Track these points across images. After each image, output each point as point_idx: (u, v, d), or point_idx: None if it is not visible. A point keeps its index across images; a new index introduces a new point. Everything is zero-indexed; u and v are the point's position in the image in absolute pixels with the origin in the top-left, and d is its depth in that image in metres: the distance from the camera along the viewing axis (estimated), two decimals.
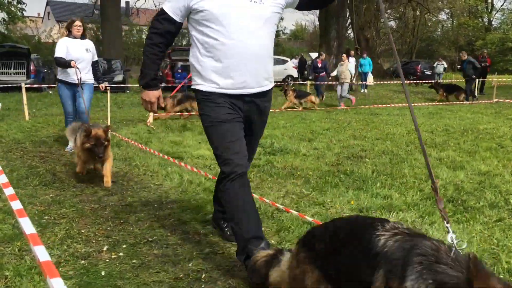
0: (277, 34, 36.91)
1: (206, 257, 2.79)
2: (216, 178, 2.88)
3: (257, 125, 2.78)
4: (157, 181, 4.58)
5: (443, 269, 1.42)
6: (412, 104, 10.95)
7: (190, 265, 2.68)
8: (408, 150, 6.17)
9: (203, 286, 2.45)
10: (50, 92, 16.25)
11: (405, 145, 6.55)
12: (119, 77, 18.30)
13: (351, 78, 13.46)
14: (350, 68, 13.42)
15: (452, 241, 1.55)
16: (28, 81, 15.26)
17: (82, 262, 2.72)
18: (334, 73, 14.11)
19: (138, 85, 15.20)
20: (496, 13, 42.24)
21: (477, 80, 17.54)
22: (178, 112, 9.88)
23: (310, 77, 16.17)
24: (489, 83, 19.04)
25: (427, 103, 13.78)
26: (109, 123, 7.13)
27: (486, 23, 42.13)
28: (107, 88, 6.52)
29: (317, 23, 30.29)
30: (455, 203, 3.83)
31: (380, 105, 13.11)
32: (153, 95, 2.63)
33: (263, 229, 3.21)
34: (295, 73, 22.88)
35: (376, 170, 4.96)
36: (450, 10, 38.31)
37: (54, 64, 22.80)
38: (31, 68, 16.46)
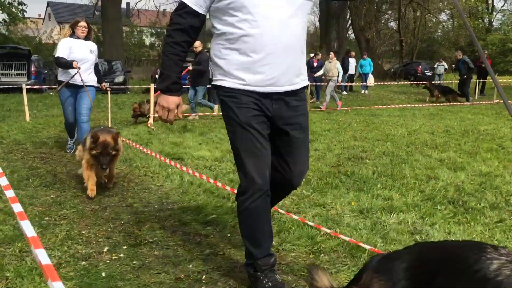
0: None
1: (207, 258, 2.79)
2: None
3: (293, 128, 2.38)
4: (157, 182, 4.59)
5: None
6: (412, 105, 10.92)
7: (190, 266, 2.68)
8: (408, 151, 6.16)
9: (203, 287, 2.45)
10: (51, 93, 16.26)
11: (406, 146, 6.55)
12: (120, 78, 18.32)
13: (337, 76, 13.25)
14: (338, 66, 13.31)
15: None
16: (29, 82, 15.27)
17: (83, 263, 2.72)
18: (321, 72, 14.02)
19: (138, 86, 15.24)
20: (496, 14, 42.28)
21: (477, 81, 17.55)
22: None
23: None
24: (489, 84, 19.03)
25: (427, 104, 13.77)
26: (109, 124, 7.14)
27: (486, 24, 42.13)
28: (108, 89, 6.43)
29: (317, 24, 30.32)
30: (455, 204, 3.83)
31: (380, 106, 13.11)
32: (172, 101, 2.28)
33: None
34: None
35: (376, 171, 4.96)
36: (451, 11, 38.28)
37: (55, 65, 22.81)
38: (32, 69, 16.49)
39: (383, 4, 33.67)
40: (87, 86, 5.66)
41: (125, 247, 2.97)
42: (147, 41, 34.04)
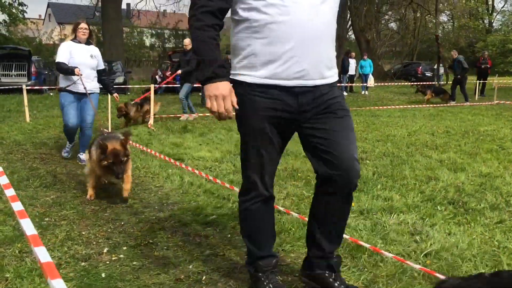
0: None
1: (207, 259, 2.79)
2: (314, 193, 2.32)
3: (331, 122, 2.09)
4: (157, 183, 4.58)
5: None
6: (413, 106, 10.93)
7: (190, 267, 2.68)
8: (409, 152, 6.16)
9: None
10: (51, 94, 16.28)
11: (406, 147, 6.55)
12: (120, 79, 18.35)
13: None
14: None
15: None
16: (29, 83, 15.29)
17: (83, 264, 2.72)
18: None
19: (138, 86, 15.23)
20: (497, 15, 42.32)
21: (477, 82, 17.54)
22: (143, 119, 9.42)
23: None
24: (490, 85, 19.04)
25: (428, 105, 13.77)
26: (109, 125, 7.13)
27: (487, 25, 42.16)
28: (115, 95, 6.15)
29: None
30: (456, 205, 3.82)
31: (380, 107, 13.10)
32: (224, 86, 1.92)
33: None
34: None
35: (376, 172, 4.96)
36: (451, 12, 38.32)
37: (55, 66, 22.74)
38: (32, 70, 16.51)
39: (383, 5, 33.68)
40: (90, 93, 5.39)
41: (125, 247, 2.97)
42: (147, 42, 34.07)
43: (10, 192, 1.75)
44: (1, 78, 16.23)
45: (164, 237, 3.16)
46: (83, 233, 3.22)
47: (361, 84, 19.60)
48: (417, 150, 6.24)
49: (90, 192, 4.03)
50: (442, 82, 21.04)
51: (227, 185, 4.08)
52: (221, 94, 1.92)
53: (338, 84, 14.65)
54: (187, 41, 10.30)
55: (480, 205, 3.80)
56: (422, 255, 2.80)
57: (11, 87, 13.23)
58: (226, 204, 3.82)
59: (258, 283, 2.33)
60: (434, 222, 3.38)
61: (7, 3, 22.90)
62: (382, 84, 21.90)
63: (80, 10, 25.58)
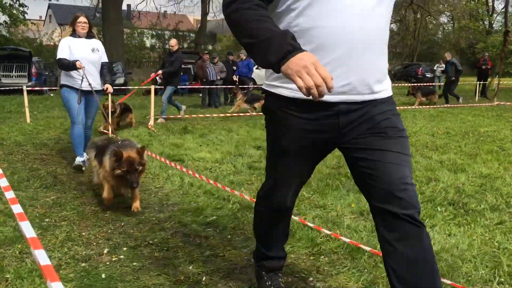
0: None
1: (207, 260, 2.79)
2: None
3: (379, 143, 1.75)
4: (158, 184, 4.59)
5: None
6: (413, 107, 10.93)
7: (190, 267, 2.68)
8: None
9: None
10: (52, 94, 16.29)
11: None
12: (120, 80, 18.35)
13: None
14: None
15: None
16: (30, 83, 15.30)
17: (83, 264, 2.72)
18: None
19: (139, 87, 15.26)
20: (497, 16, 42.31)
21: (478, 83, 17.54)
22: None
23: None
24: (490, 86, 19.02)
25: (428, 106, 13.77)
26: (110, 126, 7.12)
27: (487, 26, 42.18)
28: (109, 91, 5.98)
29: None
30: (456, 206, 3.82)
31: None
32: (308, 55, 1.45)
33: None
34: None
35: None
36: (451, 13, 38.33)
37: (55, 67, 22.73)
38: (33, 70, 16.52)
39: None
40: (95, 91, 5.08)
41: (125, 248, 2.97)
42: (148, 43, 34.09)
43: (10, 195, 1.75)
44: (2, 79, 16.25)
45: (164, 238, 3.16)
46: (83, 234, 3.22)
47: None
48: (417, 151, 6.24)
49: (107, 194, 3.74)
50: (442, 83, 21.04)
51: (228, 189, 4.08)
52: (310, 62, 1.44)
53: None
54: (173, 42, 10.12)
55: (480, 206, 3.80)
56: None
57: (11, 88, 13.24)
58: (226, 205, 3.82)
59: (260, 281, 2.34)
60: (434, 223, 3.38)
61: (7, 4, 22.92)
62: None
63: (81, 11, 25.59)
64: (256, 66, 19.01)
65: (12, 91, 13.38)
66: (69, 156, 5.93)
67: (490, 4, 41.44)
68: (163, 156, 5.56)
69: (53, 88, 16.71)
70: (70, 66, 4.92)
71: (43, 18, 48.61)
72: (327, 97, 1.67)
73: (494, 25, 42.42)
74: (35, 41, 29.97)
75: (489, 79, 17.57)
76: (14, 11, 23.61)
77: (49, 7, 46.84)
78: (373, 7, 1.69)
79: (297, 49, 1.47)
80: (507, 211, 3.71)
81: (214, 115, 10.76)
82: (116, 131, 7.35)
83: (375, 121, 1.76)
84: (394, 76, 27.61)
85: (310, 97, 1.47)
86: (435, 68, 22.83)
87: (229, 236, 3.17)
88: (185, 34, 34.14)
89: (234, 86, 12.62)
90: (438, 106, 13.73)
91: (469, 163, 5.43)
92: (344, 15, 1.65)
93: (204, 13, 28.60)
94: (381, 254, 2.70)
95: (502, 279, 2.52)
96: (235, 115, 10.96)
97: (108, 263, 2.75)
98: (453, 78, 14.67)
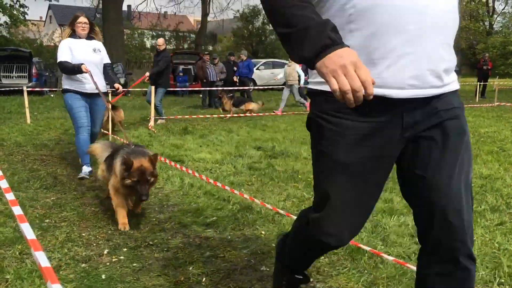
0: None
1: (207, 261, 2.79)
2: None
3: (439, 149, 1.48)
4: (158, 184, 4.58)
5: None
6: None
7: (191, 268, 2.68)
8: None
9: None
10: (52, 95, 16.32)
11: None
12: (121, 81, 18.37)
13: (299, 80, 12.39)
14: (298, 70, 12.50)
15: None
16: (30, 84, 15.31)
17: (83, 265, 2.72)
18: (280, 75, 13.34)
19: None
20: (497, 17, 42.35)
21: (478, 83, 17.54)
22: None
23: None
24: (490, 87, 19.04)
25: None
26: (110, 126, 7.13)
27: (487, 27, 42.19)
28: (109, 92, 5.91)
29: None
30: None
31: None
32: (349, 53, 1.23)
33: (263, 232, 3.23)
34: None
35: None
36: None
37: (56, 68, 22.73)
38: (33, 71, 16.55)
39: None
40: (95, 94, 4.81)
41: (125, 249, 2.97)
42: (148, 44, 34.14)
43: (10, 196, 1.75)
44: (2, 79, 16.27)
45: (164, 238, 3.16)
46: (83, 234, 3.22)
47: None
48: None
49: (122, 220, 3.38)
50: None
51: (228, 188, 4.07)
52: (350, 61, 1.21)
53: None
54: (160, 41, 9.72)
55: (480, 207, 3.80)
56: None
57: (12, 88, 13.25)
58: (226, 206, 3.82)
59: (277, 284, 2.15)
60: None
61: (8, 5, 22.94)
62: None
63: (81, 11, 25.61)
64: (256, 67, 19.03)
65: (13, 91, 13.39)
66: (69, 157, 5.93)
67: (491, 5, 41.45)
68: (163, 157, 5.56)
69: (53, 89, 16.71)
70: (75, 70, 4.64)
71: (44, 19, 48.65)
72: (395, 92, 1.39)
73: (494, 26, 42.43)
74: (35, 41, 30.01)
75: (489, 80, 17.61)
76: (15, 12, 23.64)
77: (49, 7, 46.87)
78: None
79: (337, 43, 1.24)
80: (507, 212, 3.71)
81: (214, 115, 10.76)
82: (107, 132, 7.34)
83: (440, 120, 1.47)
84: None
85: (377, 91, 1.29)
86: None
87: (229, 237, 3.17)
88: (185, 35, 34.17)
89: (219, 90, 12.34)
90: None
91: None
92: None
93: (205, 13, 28.63)
94: (381, 254, 2.71)
95: (502, 280, 2.52)
96: (235, 116, 10.96)
97: (108, 264, 2.75)
98: None
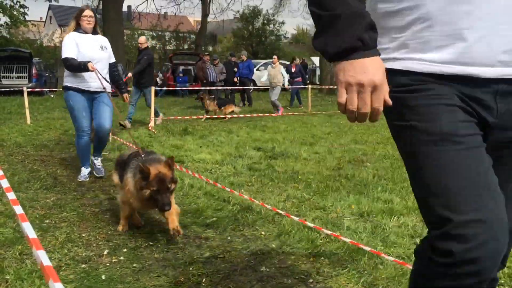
0: (279, 38, 37.00)
1: (207, 261, 2.79)
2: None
3: None
4: None
5: None
6: None
7: (190, 269, 2.68)
8: None
9: None
10: (52, 96, 16.32)
11: None
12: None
13: (283, 82, 12.34)
14: (282, 71, 12.50)
15: None
16: (30, 85, 15.34)
17: (83, 266, 2.72)
18: (264, 77, 13.22)
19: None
20: None
21: None
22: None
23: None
24: None
25: None
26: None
27: None
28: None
29: None
30: None
31: None
32: (375, 67, 1.08)
33: (263, 233, 3.23)
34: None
35: (377, 174, 4.96)
36: None
37: (56, 68, 22.67)
38: (33, 72, 16.57)
39: None
40: (104, 92, 4.59)
41: (125, 250, 2.97)
42: (148, 44, 34.18)
43: (11, 196, 1.76)
44: (2, 80, 16.29)
45: (164, 239, 3.16)
46: (83, 235, 3.22)
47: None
48: None
49: (122, 222, 3.32)
50: None
51: (227, 189, 4.08)
52: (370, 81, 1.06)
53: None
54: (142, 39, 9.29)
55: None
56: None
57: (12, 89, 13.26)
58: (226, 206, 3.82)
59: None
60: None
61: (8, 5, 22.95)
62: None
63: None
64: (256, 68, 19.03)
65: (13, 92, 13.40)
66: (69, 157, 5.94)
67: None
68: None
69: (53, 89, 16.72)
70: (81, 67, 4.34)
71: (44, 19, 48.66)
72: (486, 71, 1.13)
73: None
74: (35, 42, 30.01)
75: None
76: (15, 12, 23.63)
77: (49, 8, 46.87)
78: None
79: (368, 47, 1.07)
80: None
81: (214, 116, 10.76)
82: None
83: None
84: None
85: (459, 70, 1.13)
86: None
87: (229, 238, 3.18)
88: (185, 36, 34.16)
89: (201, 91, 12.05)
90: None
91: None
92: None
93: (205, 14, 28.64)
94: (381, 255, 2.71)
95: (502, 281, 2.52)
96: (235, 116, 10.97)
97: (108, 264, 2.75)
98: None
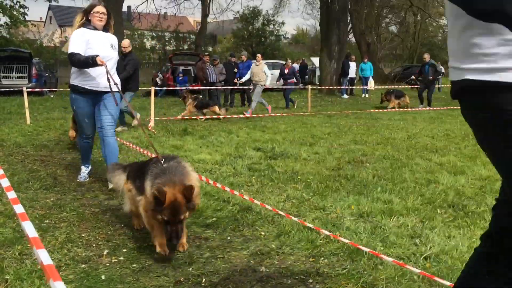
0: (279, 39, 37.00)
1: (207, 262, 2.79)
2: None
3: None
4: None
5: None
6: (413, 109, 10.93)
7: (190, 269, 2.68)
8: (408, 154, 6.16)
9: None
10: (52, 96, 16.31)
11: (406, 150, 6.55)
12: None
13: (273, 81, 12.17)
14: (265, 70, 12.23)
15: None
16: (30, 85, 15.32)
17: (83, 266, 2.72)
18: (247, 76, 13.03)
19: (139, 89, 15.28)
20: None
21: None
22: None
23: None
24: None
25: (428, 108, 13.77)
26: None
27: None
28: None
29: (318, 27, 30.42)
30: (455, 208, 3.82)
31: (381, 110, 13.12)
32: None
33: (263, 233, 3.23)
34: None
35: (376, 174, 4.96)
36: None
37: (56, 68, 22.59)
38: (33, 72, 16.55)
39: (384, 8, 33.76)
40: (114, 92, 4.29)
41: (125, 250, 2.97)
42: (148, 45, 34.11)
43: (11, 195, 1.76)
44: (2, 80, 16.28)
45: None
46: (83, 235, 3.22)
47: (362, 87, 19.63)
48: (417, 153, 6.24)
49: (159, 240, 2.84)
50: (441, 86, 21.07)
51: (227, 189, 4.08)
52: None
53: (338, 87, 14.16)
54: (125, 43, 8.75)
55: (480, 208, 3.80)
56: (422, 258, 2.80)
57: (11, 89, 13.25)
58: (226, 206, 3.82)
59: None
60: (434, 225, 3.38)
61: (8, 6, 22.94)
62: (383, 87, 21.90)
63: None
64: None
65: (12, 92, 13.39)
66: (69, 157, 5.94)
67: None
68: None
69: (53, 89, 16.72)
70: (89, 62, 4.03)
71: (44, 20, 48.67)
72: None
73: None
74: (35, 42, 29.98)
75: None
76: (15, 12, 23.61)
77: (49, 8, 46.88)
78: None
79: None
80: None
81: (214, 116, 10.76)
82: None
83: None
84: (394, 78, 27.66)
85: None
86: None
87: (229, 238, 3.18)
88: (185, 36, 34.14)
89: (185, 90, 11.65)
90: (438, 108, 13.74)
91: (468, 165, 5.43)
92: None
93: (205, 14, 28.61)
94: (380, 256, 2.71)
95: None
96: (235, 117, 10.97)
97: (108, 264, 2.75)
98: (431, 77, 14.19)
